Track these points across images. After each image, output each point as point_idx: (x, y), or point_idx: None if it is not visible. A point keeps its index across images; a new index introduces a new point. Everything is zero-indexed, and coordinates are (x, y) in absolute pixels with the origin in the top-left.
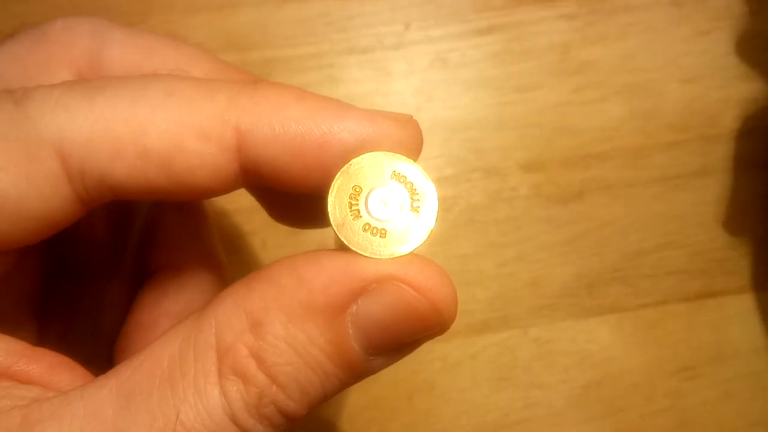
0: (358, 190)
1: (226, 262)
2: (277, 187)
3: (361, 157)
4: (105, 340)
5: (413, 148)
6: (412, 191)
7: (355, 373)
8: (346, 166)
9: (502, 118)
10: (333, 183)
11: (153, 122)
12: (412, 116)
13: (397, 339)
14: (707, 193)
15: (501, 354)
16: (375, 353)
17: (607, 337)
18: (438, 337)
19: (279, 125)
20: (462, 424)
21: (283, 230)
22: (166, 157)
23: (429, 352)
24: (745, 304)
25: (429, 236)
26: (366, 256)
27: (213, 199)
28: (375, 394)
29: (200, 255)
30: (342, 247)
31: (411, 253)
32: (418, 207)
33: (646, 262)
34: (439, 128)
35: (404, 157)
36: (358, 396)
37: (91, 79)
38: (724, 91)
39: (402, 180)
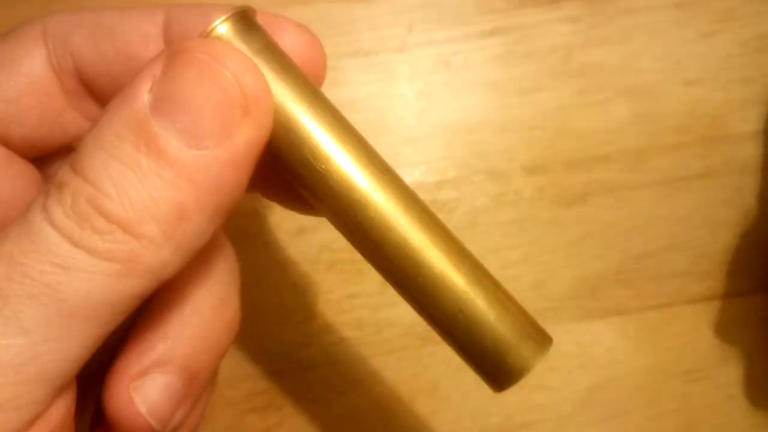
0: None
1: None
2: None
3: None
4: None
5: None
6: None
7: (175, 167)
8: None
9: (506, 121)
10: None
11: (109, 10)
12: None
13: (196, 114)
14: (711, 196)
15: None
16: (184, 138)
17: (612, 339)
18: (441, 340)
19: (195, 13)
20: (465, 427)
21: (285, 233)
22: (112, 26)
23: (432, 354)
24: (750, 306)
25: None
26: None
27: None
28: (378, 397)
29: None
30: None
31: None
32: None
33: (650, 265)
34: (443, 131)
35: None
36: (360, 398)
37: None
38: (727, 92)
39: None
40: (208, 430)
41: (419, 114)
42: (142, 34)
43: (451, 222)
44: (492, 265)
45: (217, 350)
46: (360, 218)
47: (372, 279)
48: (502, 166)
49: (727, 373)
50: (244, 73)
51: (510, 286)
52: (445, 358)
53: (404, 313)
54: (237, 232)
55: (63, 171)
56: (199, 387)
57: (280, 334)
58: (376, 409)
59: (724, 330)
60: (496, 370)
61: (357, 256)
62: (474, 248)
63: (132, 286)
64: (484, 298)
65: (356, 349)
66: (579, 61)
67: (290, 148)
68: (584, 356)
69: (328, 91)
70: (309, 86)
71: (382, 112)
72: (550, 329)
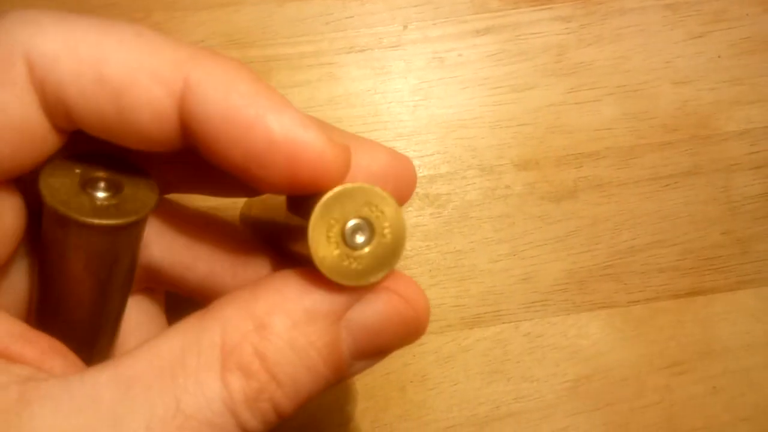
0: (333, 223)
1: None
2: (202, 154)
3: (333, 191)
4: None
5: (335, 168)
6: (381, 219)
7: (338, 374)
8: (323, 198)
9: (498, 117)
10: (312, 217)
11: (115, 53)
12: (347, 146)
13: (382, 344)
14: (697, 193)
15: (493, 347)
16: (359, 357)
17: (598, 332)
18: (431, 331)
19: (222, 91)
20: (453, 415)
21: None
22: (118, 87)
23: (422, 344)
24: (733, 301)
25: (399, 259)
26: (348, 285)
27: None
28: (368, 385)
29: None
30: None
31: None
32: (388, 233)
33: (636, 260)
34: (436, 126)
35: (371, 186)
36: (350, 387)
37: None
38: (715, 93)
39: (373, 210)
40: None
41: (413, 109)
42: (155, 108)
43: (443, 216)
44: (482, 258)
45: None
46: None
47: None
48: (493, 162)
49: (710, 366)
50: (426, 316)
51: (499, 279)
52: (434, 348)
53: None
54: (233, 221)
55: (251, 359)
56: None
57: None
58: (366, 398)
59: (707, 324)
60: None
61: None
62: (465, 242)
63: None
64: None
65: None
66: (571, 60)
67: None
68: (571, 348)
69: (324, 86)
70: None
71: (377, 107)
72: (537, 321)
